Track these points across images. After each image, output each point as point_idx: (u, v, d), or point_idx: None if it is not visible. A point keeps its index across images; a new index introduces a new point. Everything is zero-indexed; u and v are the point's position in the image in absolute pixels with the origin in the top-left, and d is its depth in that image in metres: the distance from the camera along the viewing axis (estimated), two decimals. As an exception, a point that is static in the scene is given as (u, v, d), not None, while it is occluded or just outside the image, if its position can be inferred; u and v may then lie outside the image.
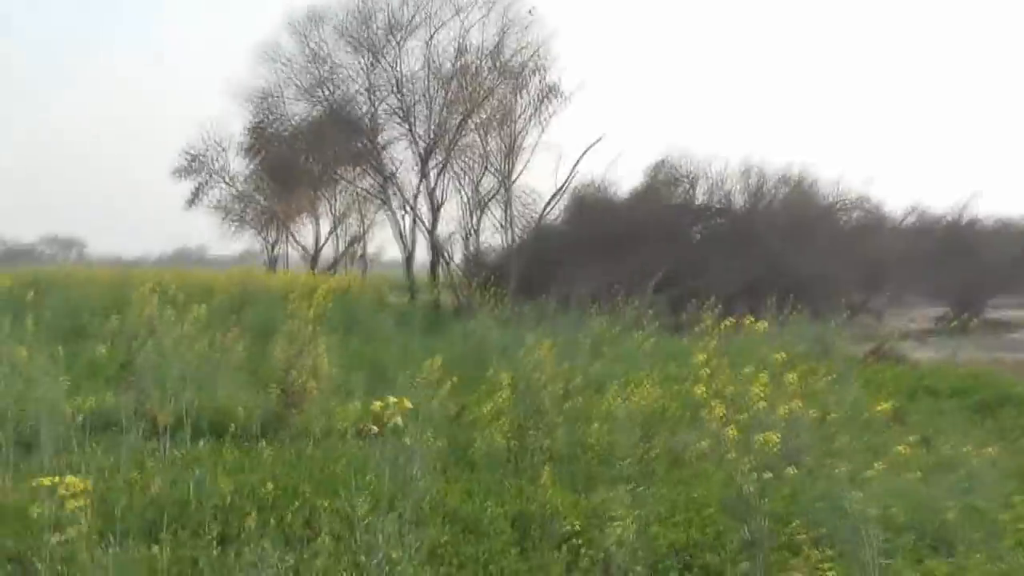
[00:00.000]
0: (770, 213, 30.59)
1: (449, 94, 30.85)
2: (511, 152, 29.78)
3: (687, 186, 31.35)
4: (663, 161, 31.55)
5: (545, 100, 29.10)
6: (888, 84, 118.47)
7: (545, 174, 42.19)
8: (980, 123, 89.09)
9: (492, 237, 31.89)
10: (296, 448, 9.09)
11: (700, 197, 31.30)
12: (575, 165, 29.66)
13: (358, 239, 49.95)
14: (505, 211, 30.20)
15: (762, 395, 7.95)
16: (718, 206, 31.22)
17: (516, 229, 30.48)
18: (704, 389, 8.62)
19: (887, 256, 30.45)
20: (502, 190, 30.37)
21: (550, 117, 29.61)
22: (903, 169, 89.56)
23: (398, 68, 31.52)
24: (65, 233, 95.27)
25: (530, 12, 29.87)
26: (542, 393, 9.40)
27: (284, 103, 34.62)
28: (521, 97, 29.70)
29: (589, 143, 29.44)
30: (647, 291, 24.03)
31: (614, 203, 31.37)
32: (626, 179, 38.30)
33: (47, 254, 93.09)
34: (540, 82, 29.44)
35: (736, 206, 31.24)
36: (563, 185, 29.88)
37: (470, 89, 30.31)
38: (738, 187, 31.24)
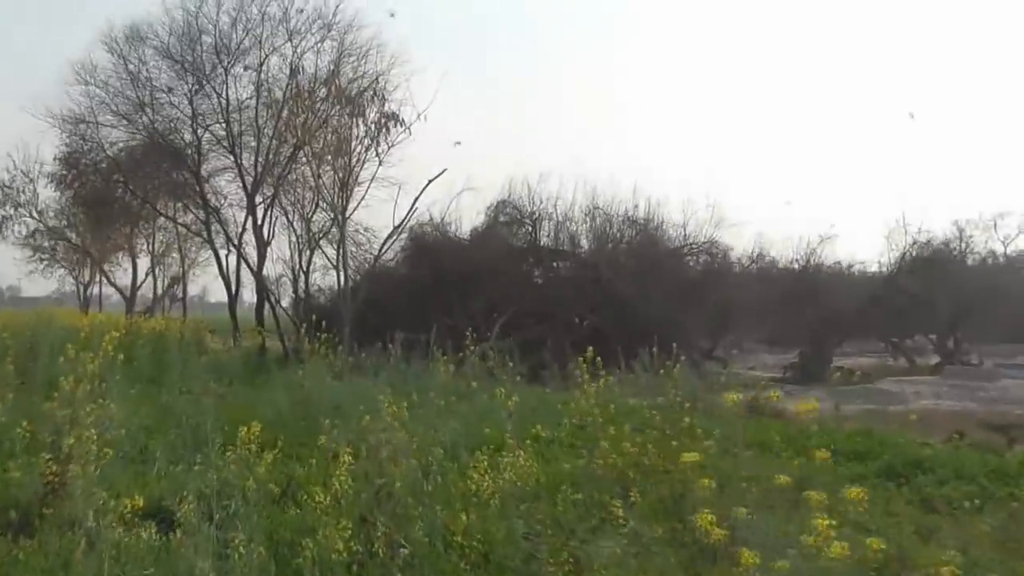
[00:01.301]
0: (616, 256, 29.60)
1: (280, 123, 28.77)
2: (345, 186, 27.78)
3: (530, 226, 30.04)
4: (505, 200, 30.21)
5: (383, 130, 27.27)
6: (744, 116, 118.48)
7: (383, 211, 39.90)
8: (833, 163, 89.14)
9: (324, 278, 29.87)
10: (63, 545, 6.81)
11: (544, 238, 30.02)
12: (415, 201, 27.98)
13: (178, 279, 47.05)
14: (338, 250, 28.13)
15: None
16: (563, 248, 30.00)
17: (350, 270, 28.48)
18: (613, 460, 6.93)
19: (732, 302, 29.88)
20: (335, 228, 28.32)
21: (389, 148, 27.79)
22: (756, 211, 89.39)
23: (225, 95, 29.26)
24: None
25: (391, 15, 28.26)
26: (391, 470, 7.46)
27: (99, 129, 31.55)
28: (357, 126, 27.83)
29: (430, 177, 27.78)
30: (491, 337, 22.47)
31: (454, 243, 29.78)
32: (470, 218, 36.42)
33: None
34: (378, 111, 27.65)
35: (581, 248, 30.13)
36: (401, 223, 28.11)
37: (302, 117, 28.30)
38: (583, 228, 30.15)
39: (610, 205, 30.15)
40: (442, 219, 29.77)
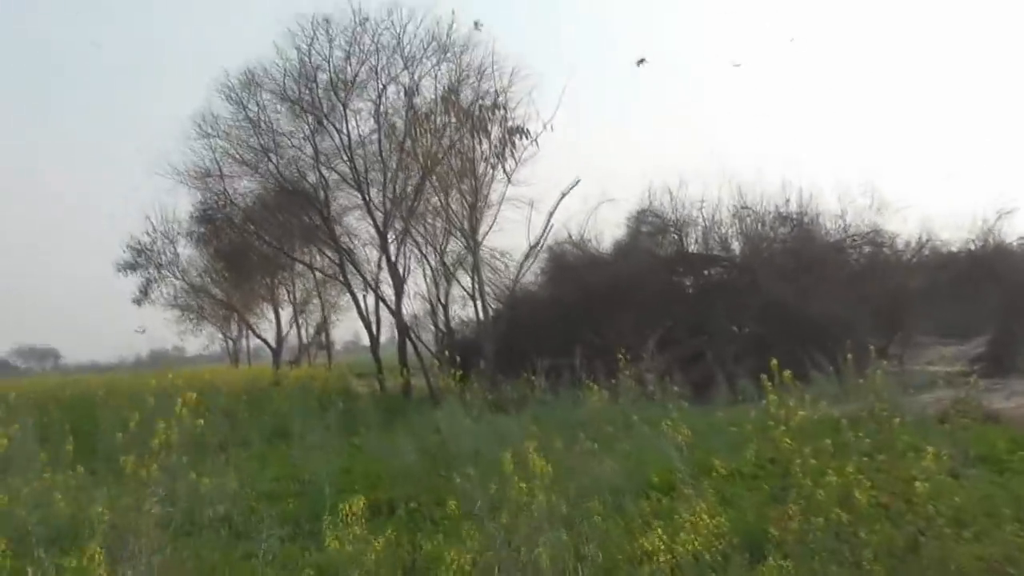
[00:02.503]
0: (771, 256, 27.30)
1: (403, 153, 27.74)
2: (474, 209, 26.47)
3: (675, 234, 28.09)
4: (646, 209, 28.40)
5: (509, 146, 25.88)
6: (895, 91, 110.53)
7: (517, 233, 38.22)
8: (999, 126, 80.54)
9: (464, 309, 28.58)
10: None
11: (691, 245, 28.00)
12: (549, 217, 26.42)
13: (323, 326, 46.84)
14: (473, 277, 26.79)
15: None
16: (713, 253, 27.91)
17: (488, 298, 27.12)
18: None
19: (901, 293, 27.14)
20: (469, 255, 27.02)
21: (516, 165, 26.38)
22: (916, 190, 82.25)
23: (346, 131, 28.38)
24: (39, 344, 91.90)
25: (477, 25, 26.86)
26: (535, 537, 5.78)
27: (225, 180, 31.18)
28: (482, 146, 26.53)
29: (564, 190, 26.21)
30: (647, 356, 20.59)
31: (597, 258, 28.08)
32: (609, 231, 34.43)
33: (22, 367, 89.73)
34: (502, 128, 26.29)
35: (732, 252, 27.97)
36: (537, 242, 26.57)
37: (426, 143, 27.20)
38: (732, 230, 27.98)
39: (759, 203, 27.91)
40: (581, 235, 28.17)
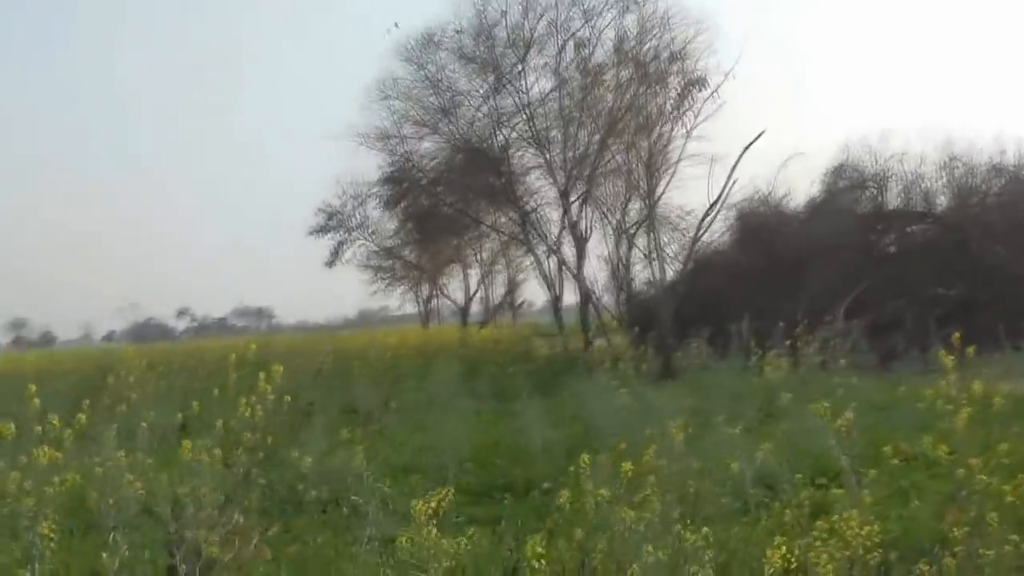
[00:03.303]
0: (983, 212, 24.86)
1: (583, 111, 26.88)
2: (651, 166, 25.30)
3: (874, 189, 26.03)
4: (843, 164, 26.42)
5: (689, 99, 24.55)
6: None
7: (698, 189, 36.30)
8: None
9: (644, 271, 27.44)
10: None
11: (892, 201, 25.87)
12: (731, 173, 24.82)
13: (511, 287, 46.70)
14: (650, 238, 25.66)
15: None
16: (916, 209, 25.69)
17: (668, 259, 25.96)
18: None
19: None
20: (646, 214, 25.90)
21: (696, 119, 25.05)
22: None
23: (525, 89, 27.76)
24: (256, 304, 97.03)
25: None
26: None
27: (405, 142, 31.23)
28: (657, 95, 25.32)
29: (747, 143, 24.64)
30: (835, 320, 19.10)
31: (789, 216, 26.39)
32: (802, 188, 32.15)
33: (239, 326, 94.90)
34: (683, 80, 25.00)
35: (938, 208, 25.66)
36: (718, 199, 25.03)
37: (606, 101, 26.26)
38: (938, 184, 25.61)
39: (969, 154, 25.42)
40: (769, 192, 26.52)
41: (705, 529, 5.30)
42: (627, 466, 5.94)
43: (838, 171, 26.68)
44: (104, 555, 5.72)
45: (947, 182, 25.54)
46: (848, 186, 26.82)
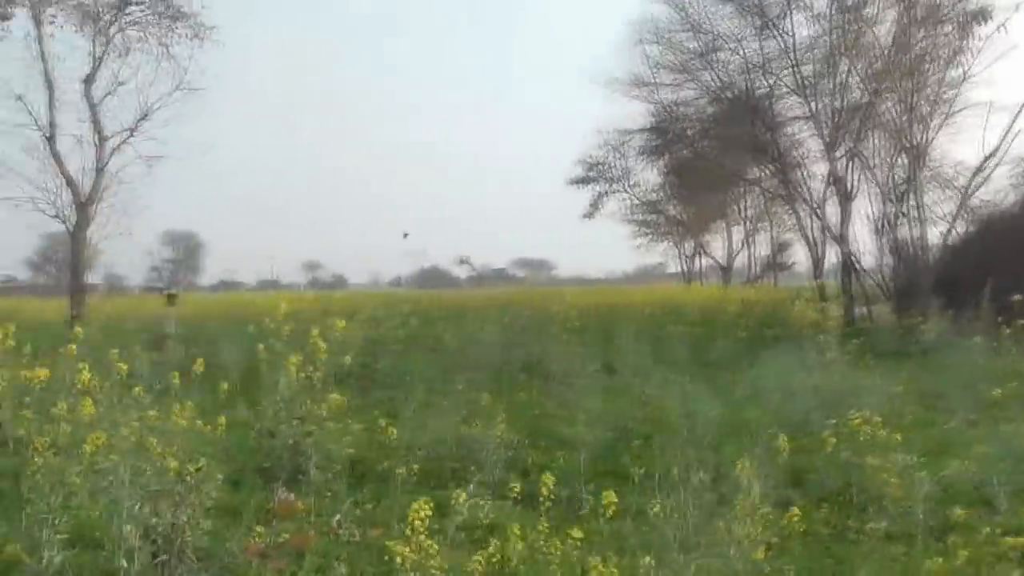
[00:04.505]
0: None
1: (854, 59, 24.43)
2: (921, 115, 22.62)
3: None
4: None
5: (969, 36, 21.72)
6: None
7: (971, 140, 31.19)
8: None
9: (913, 231, 24.61)
10: None
11: None
12: (1013, 121, 21.78)
13: (780, 246, 44.17)
14: (916, 195, 22.97)
15: None
16: None
17: (937, 219, 23.19)
18: None
19: None
20: (912, 168, 23.22)
21: (977, 57, 22.32)
22: None
23: (791, 33, 25.53)
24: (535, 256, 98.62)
25: None
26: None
27: (658, 90, 29.81)
28: (933, 34, 22.62)
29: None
30: None
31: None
32: None
33: (518, 276, 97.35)
34: (959, 14, 22.15)
35: None
36: (994, 153, 22.02)
37: (878, 47, 23.75)
38: None
39: None
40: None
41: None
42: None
43: None
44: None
45: None
46: None
